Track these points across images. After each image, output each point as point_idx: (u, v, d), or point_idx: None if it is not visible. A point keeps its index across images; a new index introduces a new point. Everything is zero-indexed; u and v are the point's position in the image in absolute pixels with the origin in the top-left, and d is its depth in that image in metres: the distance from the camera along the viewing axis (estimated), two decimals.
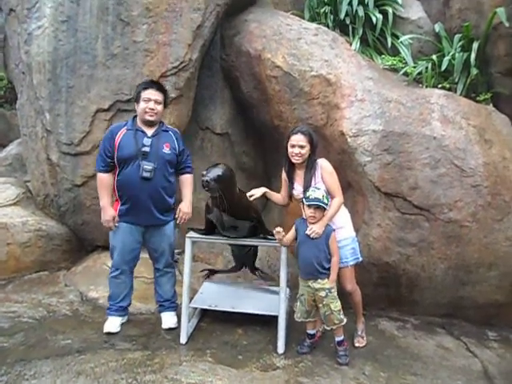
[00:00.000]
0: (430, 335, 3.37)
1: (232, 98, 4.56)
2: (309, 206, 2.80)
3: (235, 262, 3.65)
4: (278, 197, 3.23)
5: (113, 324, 3.17)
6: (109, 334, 3.11)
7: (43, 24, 3.89)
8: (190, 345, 3.04)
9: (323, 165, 2.97)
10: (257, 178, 4.77)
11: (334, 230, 2.85)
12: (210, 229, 3.19)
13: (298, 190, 3.03)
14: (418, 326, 3.50)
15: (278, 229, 2.88)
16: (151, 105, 3.02)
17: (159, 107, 3.07)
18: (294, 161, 2.97)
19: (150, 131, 3.07)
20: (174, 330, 3.18)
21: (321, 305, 2.82)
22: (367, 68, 3.77)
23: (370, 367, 2.85)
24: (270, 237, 3.19)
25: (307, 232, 2.80)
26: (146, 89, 3.05)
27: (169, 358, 2.83)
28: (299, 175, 3.03)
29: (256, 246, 3.55)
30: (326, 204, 2.78)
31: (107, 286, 3.81)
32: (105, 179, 3.09)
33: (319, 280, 2.80)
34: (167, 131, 3.16)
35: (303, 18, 4.41)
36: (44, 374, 2.60)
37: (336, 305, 2.82)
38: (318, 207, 2.77)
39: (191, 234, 3.20)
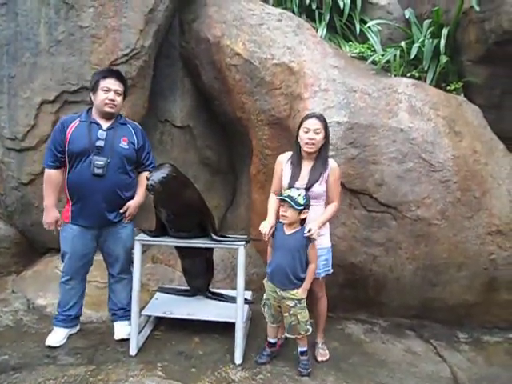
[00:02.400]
0: (399, 338, 3.20)
1: (193, 89, 4.27)
2: (281, 201, 2.57)
3: (188, 284, 3.33)
4: (276, 205, 2.76)
5: (56, 336, 2.91)
6: (51, 347, 2.85)
7: None
8: (141, 357, 2.79)
9: (334, 167, 2.66)
10: (221, 172, 4.53)
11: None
12: (160, 230, 2.94)
13: (299, 184, 2.65)
14: (386, 329, 3.33)
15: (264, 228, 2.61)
16: (111, 95, 2.75)
17: (119, 99, 2.81)
18: (306, 149, 2.62)
19: (105, 124, 2.81)
20: (126, 341, 2.92)
21: (287, 314, 2.60)
22: (333, 56, 3.54)
23: (332, 377, 2.66)
24: (226, 236, 2.97)
25: (306, 234, 2.50)
26: (105, 78, 2.77)
27: (114, 374, 2.57)
28: (304, 168, 2.68)
29: (210, 264, 3.27)
30: (299, 205, 2.49)
31: (57, 292, 3.53)
32: (53, 176, 2.82)
33: (288, 290, 2.58)
34: (125, 124, 2.91)
35: (267, 3, 4.14)
36: None
37: (304, 315, 2.59)
38: (290, 206, 2.51)
39: (141, 236, 2.94)
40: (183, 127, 4.30)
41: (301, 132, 2.66)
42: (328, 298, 2.89)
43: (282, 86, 3.44)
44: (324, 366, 2.78)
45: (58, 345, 2.87)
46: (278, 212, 2.68)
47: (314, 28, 3.94)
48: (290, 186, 2.67)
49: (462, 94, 3.51)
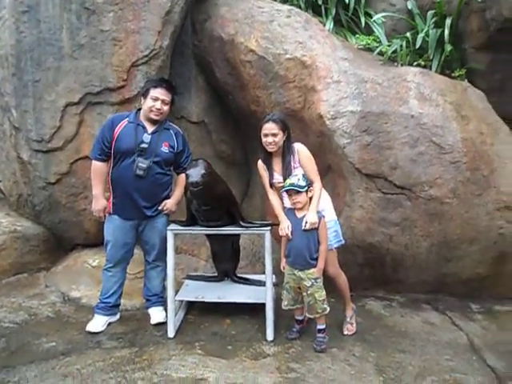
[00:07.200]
0: (416, 312, 3.41)
1: (207, 85, 4.44)
2: (287, 192, 2.81)
3: (216, 268, 3.55)
4: (277, 199, 3.02)
5: (96, 323, 3.10)
6: (92, 333, 3.03)
7: (3, 15, 3.72)
8: (178, 338, 2.99)
9: (300, 149, 2.92)
10: (236, 165, 4.71)
11: (324, 217, 2.81)
12: (191, 220, 3.13)
13: (277, 178, 2.96)
14: (403, 304, 3.54)
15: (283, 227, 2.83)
16: (158, 105, 2.99)
17: (166, 108, 3.05)
18: (269, 150, 2.91)
19: (151, 128, 3.05)
20: (162, 325, 3.13)
21: (305, 293, 2.81)
22: (342, 48, 3.72)
23: (359, 348, 2.87)
24: (252, 223, 3.16)
25: (304, 227, 2.73)
26: (155, 87, 3.01)
27: (157, 354, 2.78)
28: (277, 163, 2.97)
29: (237, 249, 3.47)
30: (303, 187, 2.75)
31: (89, 284, 3.76)
32: (100, 168, 3.06)
33: (305, 270, 2.78)
34: (168, 129, 3.14)
35: (275, 0, 4.30)
36: (29, 379, 2.53)
37: (321, 294, 2.80)
38: (297, 192, 2.75)
39: (172, 226, 3.13)
40: (199, 123, 4.48)
41: (261, 135, 2.91)
42: (348, 277, 3.07)
43: (296, 80, 3.62)
44: (350, 339, 2.98)
45: (97, 331, 3.04)
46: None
47: (321, 22, 4.11)
48: (271, 178, 2.94)
49: (466, 80, 3.70)
